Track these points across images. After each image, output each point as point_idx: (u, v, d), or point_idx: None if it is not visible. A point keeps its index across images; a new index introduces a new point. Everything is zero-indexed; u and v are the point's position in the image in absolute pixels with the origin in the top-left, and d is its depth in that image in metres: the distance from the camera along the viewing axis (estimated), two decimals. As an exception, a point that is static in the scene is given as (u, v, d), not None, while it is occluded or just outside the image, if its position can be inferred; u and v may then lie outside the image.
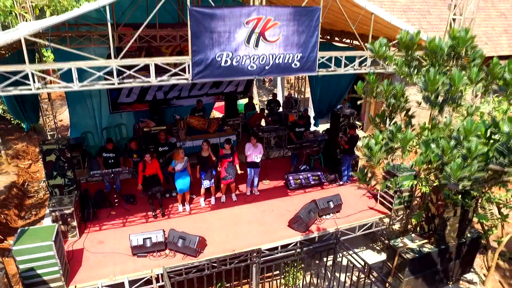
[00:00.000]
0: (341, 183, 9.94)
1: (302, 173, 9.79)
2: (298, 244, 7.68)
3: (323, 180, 9.78)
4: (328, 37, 10.65)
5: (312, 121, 12.21)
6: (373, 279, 6.57)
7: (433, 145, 3.63)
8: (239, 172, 8.72)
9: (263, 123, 12.62)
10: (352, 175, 9.79)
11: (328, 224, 8.23)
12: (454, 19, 6.95)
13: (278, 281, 7.82)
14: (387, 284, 7.44)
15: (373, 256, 8.80)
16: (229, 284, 7.24)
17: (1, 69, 4.55)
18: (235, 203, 8.93)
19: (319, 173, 9.85)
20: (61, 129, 14.77)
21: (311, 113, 12.57)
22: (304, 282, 7.90)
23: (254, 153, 8.82)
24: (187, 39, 5.59)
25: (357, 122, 16.79)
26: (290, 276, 7.77)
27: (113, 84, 5.14)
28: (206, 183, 8.50)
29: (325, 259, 7.67)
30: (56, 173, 7.67)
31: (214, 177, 8.59)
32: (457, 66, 4.04)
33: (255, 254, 7.16)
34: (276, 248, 7.58)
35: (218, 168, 8.56)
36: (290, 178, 9.61)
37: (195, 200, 9.02)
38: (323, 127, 13.37)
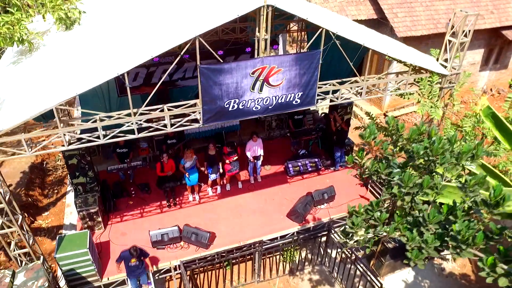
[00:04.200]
0: (334, 169, 10.84)
1: (301, 160, 10.60)
2: (295, 234, 8.84)
3: (319, 166, 10.66)
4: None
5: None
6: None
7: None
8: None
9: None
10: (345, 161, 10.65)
11: (322, 214, 9.30)
12: (450, 41, 7.25)
13: (278, 257, 9.12)
14: (371, 263, 8.98)
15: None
16: (235, 261, 8.56)
17: (42, 134, 5.28)
18: (240, 191, 9.92)
19: (316, 159, 10.67)
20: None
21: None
22: (300, 258, 9.20)
23: (257, 147, 9.59)
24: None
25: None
26: (287, 255, 9.07)
27: (134, 133, 5.78)
28: (212, 176, 9.47)
29: (319, 238, 8.89)
30: (78, 174, 8.54)
31: (219, 170, 9.50)
32: (429, 165, 4.71)
33: (257, 244, 8.37)
34: (276, 238, 8.75)
35: (226, 162, 9.40)
36: (290, 165, 10.47)
37: (203, 188, 10.01)
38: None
